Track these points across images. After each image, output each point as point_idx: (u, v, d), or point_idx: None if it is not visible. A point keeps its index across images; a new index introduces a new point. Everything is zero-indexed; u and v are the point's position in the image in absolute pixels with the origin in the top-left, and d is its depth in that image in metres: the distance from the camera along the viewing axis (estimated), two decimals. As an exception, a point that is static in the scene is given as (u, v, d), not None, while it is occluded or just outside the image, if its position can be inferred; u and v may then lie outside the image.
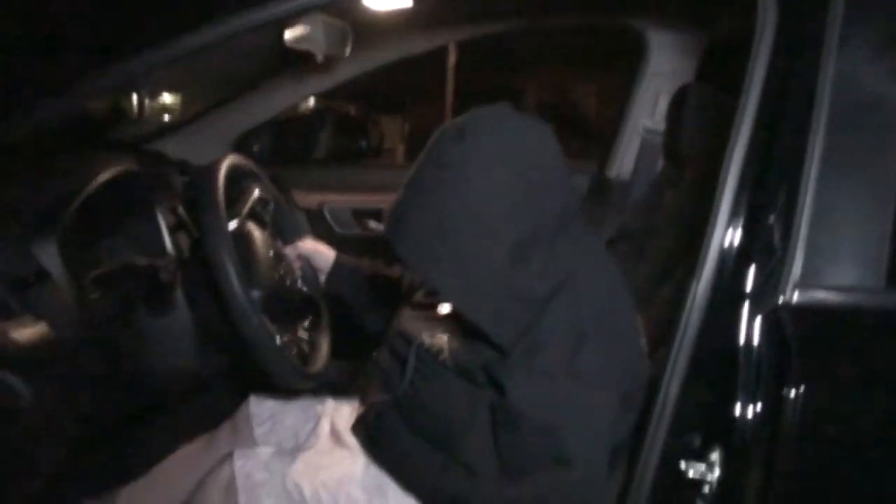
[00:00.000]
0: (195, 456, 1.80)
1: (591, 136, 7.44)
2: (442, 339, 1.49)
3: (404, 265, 1.42)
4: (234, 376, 1.89)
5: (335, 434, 1.73)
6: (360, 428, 1.66)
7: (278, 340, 1.61)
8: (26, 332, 1.35)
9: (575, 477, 1.32)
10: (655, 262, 2.06)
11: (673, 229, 2.04)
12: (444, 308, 1.57)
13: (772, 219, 1.27)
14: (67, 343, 1.42)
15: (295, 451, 1.64)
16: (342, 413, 1.78)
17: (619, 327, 1.41)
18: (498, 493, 1.36)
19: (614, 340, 1.39)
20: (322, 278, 1.95)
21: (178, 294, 1.70)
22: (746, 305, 1.24)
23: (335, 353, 1.88)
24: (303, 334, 1.81)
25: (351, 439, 1.66)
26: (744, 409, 1.21)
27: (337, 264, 1.92)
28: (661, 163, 2.45)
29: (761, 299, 1.24)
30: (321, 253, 1.93)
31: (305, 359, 1.76)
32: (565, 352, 1.33)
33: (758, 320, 1.23)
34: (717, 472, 1.22)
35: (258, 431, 1.79)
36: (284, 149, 3.01)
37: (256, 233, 1.78)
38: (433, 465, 1.47)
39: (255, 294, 1.61)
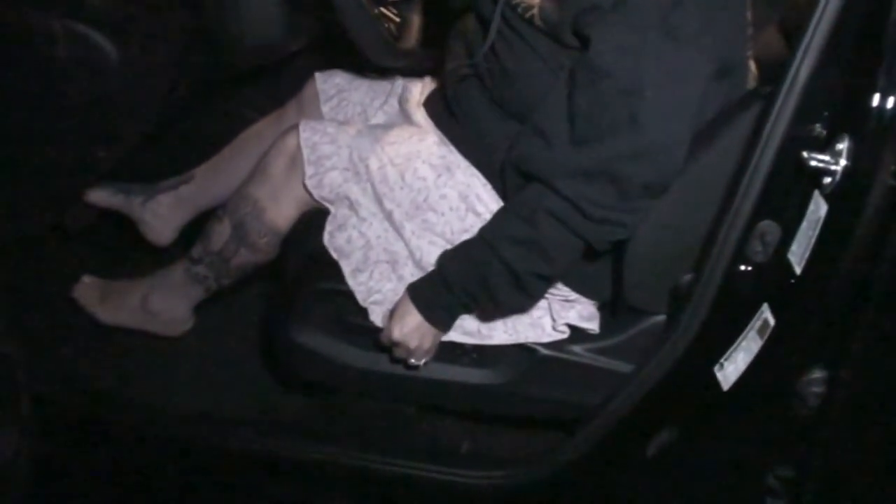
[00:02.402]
0: (264, 131, 1.79)
1: None
2: None
3: None
4: (320, 52, 1.82)
5: (405, 111, 1.68)
6: (434, 100, 1.60)
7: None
8: (108, -15, 1.28)
9: (648, 143, 1.24)
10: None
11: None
12: None
13: None
14: (150, -1, 1.35)
15: (362, 126, 1.60)
16: (412, 91, 1.72)
17: None
18: (568, 158, 1.29)
19: (718, 5, 1.27)
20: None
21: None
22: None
23: (423, 41, 1.78)
24: (393, 10, 1.71)
25: (421, 117, 1.62)
26: (884, 95, 1.09)
27: None
28: None
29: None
30: None
31: (395, 35, 1.67)
32: (660, 4, 1.22)
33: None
34: (842, 163, 1.14)
35: (325, 108, 1.76)
36: None
37: None
38: (507, 133, 1.42)
39: (346, -40, 1.49)
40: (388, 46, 1.54)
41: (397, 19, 1.70)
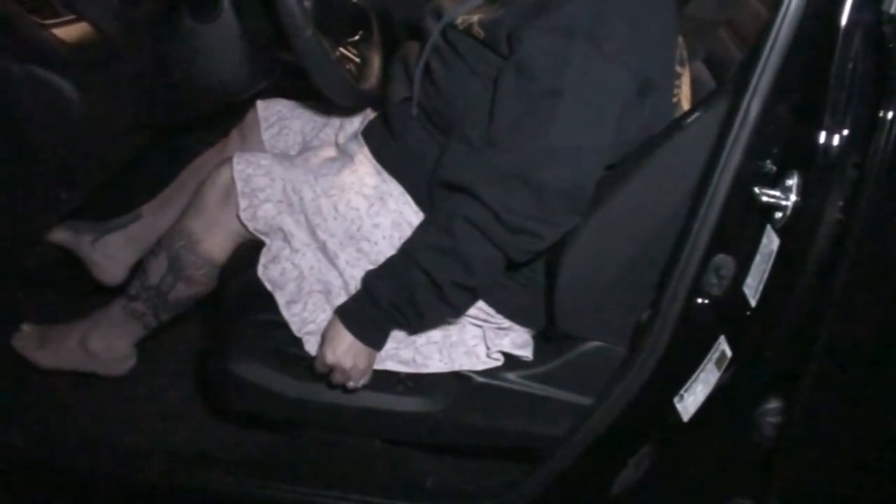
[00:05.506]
0: (208, 163, 1.79)
1: None
2: (472, 15, 1.42)
3: None
4: (282, 93, 1.83)
5: (341, 141, 1.69)
6: (374, 126, 1.62)
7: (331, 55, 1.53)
8: (71, 31, 1.28)
9: (562, 147, 1.28)
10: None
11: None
12: None
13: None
14: (113, 44, 1.36)
15: (297, 156, 1.61)
16: (351, 121, 1.74)
17: (657, 18, 1.35)
18: (489, 162, 1.32)
19: (647, 26, 1.32)
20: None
21: (225, 1, 1.60)
22: (844, 17, 1.13)
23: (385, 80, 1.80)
24: (353, 49, 1.73)
25: (357, 147, 1.63)
26: (830, 133, 1.13)
27: None
28: None
29: (862, 12, 1.13)
30: None
31: (356, 76, 1.69)
32: (590, 13, 1.27)
33: (857, 35, 1.13)
34: (792, 199, 1.18)
35: (266, 135, 1.77)
36: None
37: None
38: (439, 155, 1.45)
39: (307, 3, 1.51)
40: (350, 88, 1.56)
41: (357, 59, 1.72)
